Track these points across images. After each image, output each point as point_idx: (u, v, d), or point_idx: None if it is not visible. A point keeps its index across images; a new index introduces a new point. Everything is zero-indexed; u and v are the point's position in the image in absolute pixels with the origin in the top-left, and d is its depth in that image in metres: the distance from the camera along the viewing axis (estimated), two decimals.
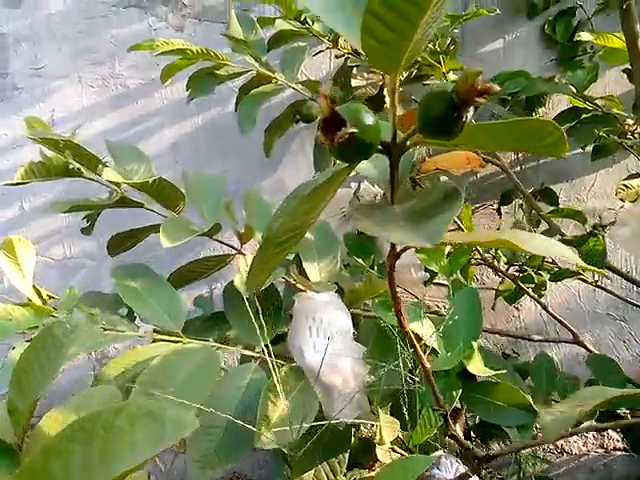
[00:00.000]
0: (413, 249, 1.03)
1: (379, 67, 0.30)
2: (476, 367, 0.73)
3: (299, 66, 1.00)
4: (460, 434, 0.71)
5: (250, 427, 0.61)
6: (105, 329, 0.62)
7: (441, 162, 1.02)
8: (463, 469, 0.62)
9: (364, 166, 0.36)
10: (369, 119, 0.29)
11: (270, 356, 0.69)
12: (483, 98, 0.26)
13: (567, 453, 1.57)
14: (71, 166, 0.72)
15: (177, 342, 0.66)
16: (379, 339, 0.73)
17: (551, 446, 1.66)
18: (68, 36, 1.42)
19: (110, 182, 0.74)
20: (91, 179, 0.76)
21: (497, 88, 0.26)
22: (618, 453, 1.47)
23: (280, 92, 1.07)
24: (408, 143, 0.32)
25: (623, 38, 0.98)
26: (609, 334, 1.42)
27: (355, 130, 0.28)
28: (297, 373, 0.67)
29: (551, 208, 1.21)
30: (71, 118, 1.43)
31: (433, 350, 0.74)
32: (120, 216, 0.81)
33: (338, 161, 0.31)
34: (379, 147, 0.31)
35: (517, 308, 1.41)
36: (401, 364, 0.69)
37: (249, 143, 1.14)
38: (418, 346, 0.72)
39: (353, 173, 0.32)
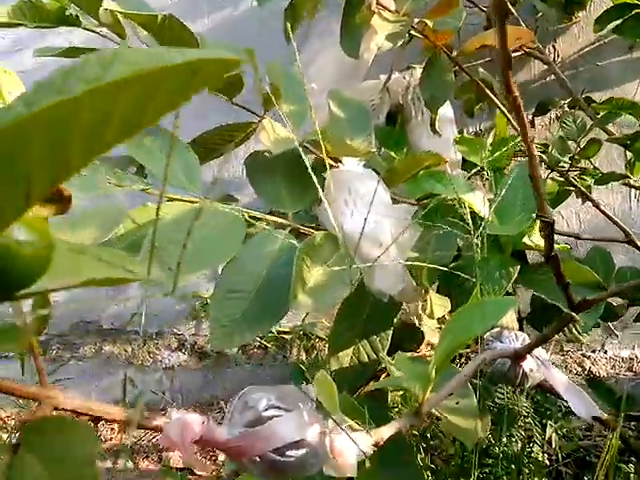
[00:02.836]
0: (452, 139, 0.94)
1: None
2: (538, 239, 0.64)
3: None
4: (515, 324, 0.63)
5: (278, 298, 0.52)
6: (110, 184, 0.54)
7: (486, 39, 0.91)
8: (528, 340, 0.54)
9: None
10: None
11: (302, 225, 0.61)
12: None
13: (595, 376, 1.51)
14: (68, 12, 0.62)
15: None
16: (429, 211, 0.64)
17: (578, 368, 1.60)
18: None
19: (114, 32, 0.64)
20: (92, 30, 0.66)
21: None
22: None
23: None
24: None
25: None
26: None
27: None
28: (334, 241, 0.59)
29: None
30: None
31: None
32: None
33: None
34: None
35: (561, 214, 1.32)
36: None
37: (265, 42, 1.03)
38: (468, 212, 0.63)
39: None
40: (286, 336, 1.53)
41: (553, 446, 1.22)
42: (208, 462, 1.30)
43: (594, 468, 1.28)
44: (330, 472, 0.37)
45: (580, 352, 1.72)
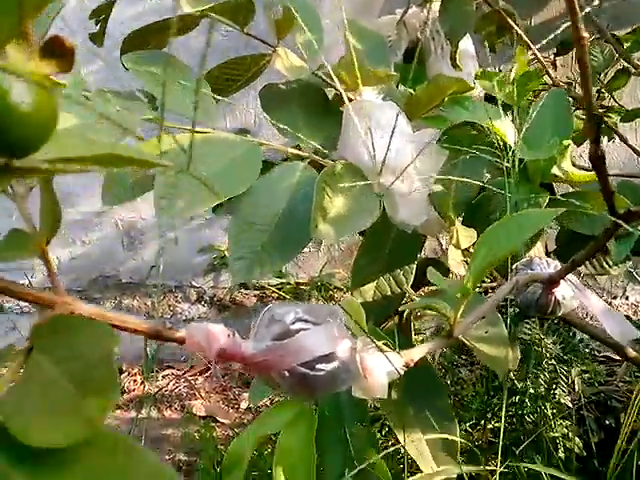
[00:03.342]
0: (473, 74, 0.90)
1: None
2: (570, 167, 0.61)
3: None
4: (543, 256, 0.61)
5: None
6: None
7: None
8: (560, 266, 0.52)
9: None
10: None
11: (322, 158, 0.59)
12: None
13: None
14: None
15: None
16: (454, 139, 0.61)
17: None
18: None
19: None
20: None
21: None
22: None
23: None
24: None
25: None
26: None
27: None
28: (354, 171, 0.56)
29: None
30: None
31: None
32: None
33: None
34: None
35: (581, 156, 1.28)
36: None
37: None
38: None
39: None
40: (304, 287, 1.52)
41: (576, 390, 1.21)
42: (231, 410, 1.32)
43: (616, 412, 1.28)
44: (359, 394, 0.36)
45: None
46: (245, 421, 1.23)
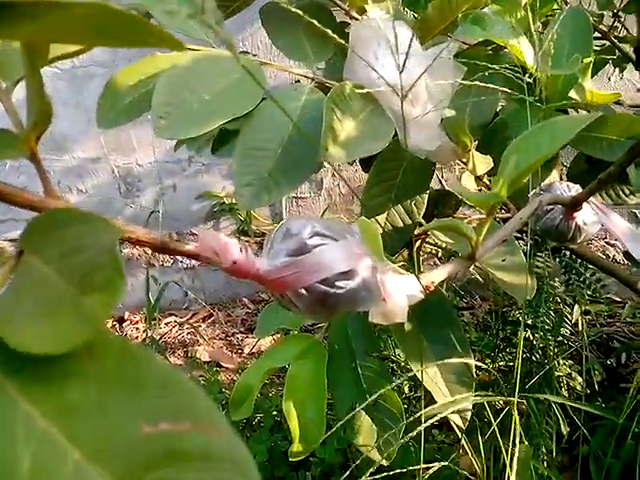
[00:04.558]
0: None
1: None
2: (590, 87, 0.58)
3: None
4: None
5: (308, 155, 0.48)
6: None
7: None
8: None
9: None
10: None
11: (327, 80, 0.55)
12: None
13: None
14: None
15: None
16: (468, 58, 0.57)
17: (602, 256, 1.58)
18: None
19: None
20: None
21: None
22: None
23: None
24: None
25: None
26: None
27: None
28: (365, 94, 0.53)
29: None
30: None
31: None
32: None
33: None
34: None
35: None
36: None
37: None
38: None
39: None
40: None
41: (579, 329, 1.21)
42: (234, 355, 1.32)
43: (617, 353, 1.28)
44: (378, 319, 0.34)
45: (604, 240, 1.68)
46: (249, 365, 1.23)
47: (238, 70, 0.49)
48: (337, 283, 0.27)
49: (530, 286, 0.50)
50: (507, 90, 0.55)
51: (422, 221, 0.55)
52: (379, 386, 0.47)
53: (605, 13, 1.02)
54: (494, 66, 0.54)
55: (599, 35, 0.98)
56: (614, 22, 0.95)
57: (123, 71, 0.47)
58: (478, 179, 0.58)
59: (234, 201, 1.48)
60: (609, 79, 1.47)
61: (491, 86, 0.55)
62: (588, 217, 0.49)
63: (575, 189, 0.49)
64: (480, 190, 0.58)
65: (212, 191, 1.48)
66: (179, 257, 1.52)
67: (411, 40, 0.59)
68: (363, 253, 0.29)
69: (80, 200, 1.44)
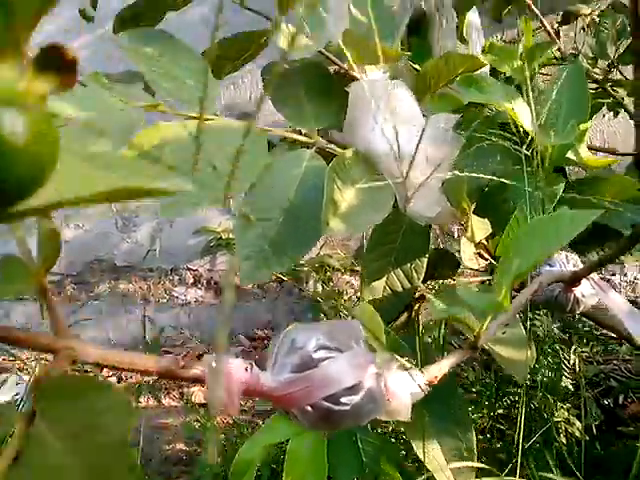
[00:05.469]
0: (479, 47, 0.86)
1: None
2: (586, 153, 0.58)
3: None
4: None
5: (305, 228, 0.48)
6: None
7: None
8: (581, 265, 0.49)
9: None
10: None
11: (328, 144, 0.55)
12: None
13: None
14: None
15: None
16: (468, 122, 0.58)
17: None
18: None
19: None
20: None
21: None
22: None
23: None
24: None
25: None
26: None
27: None
28: (364, 161, 0.53)
29: None
30: None
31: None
32: None
33: None
34: None
35: None
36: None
37: None
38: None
39: None
40: (302, 269, 1.50)
41: (577, 371, 1.20)
42: None
43: (615, 393, 1.27)
44: (382, 417, 0.33)
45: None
46: (245, 408, 1.22)
47: (239, 140, 0.50)
48: (342, 399, 0.26)
49: (530, 356, 0.50)
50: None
51: (421, 286, 0.54)
52: (380, 461, 0.47)
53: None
54: (491, 137, 0.55)
55: (594, 83, 1.00)
56: (610, 70, 0.96)
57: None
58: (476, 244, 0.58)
59: (231, 236, 1.48)
60: (604, 115, 1.49)
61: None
62: (587, 290, 0.49)
63: (573, 261, 0.49)
64: (479, 253, 0.57)
65: (209, 226, 1.48)
66: (175, 293, 1.51)
67: (411, 104, 0.60)
68: (369, 362, 0.28)
69: (77, 235, 1.43)
